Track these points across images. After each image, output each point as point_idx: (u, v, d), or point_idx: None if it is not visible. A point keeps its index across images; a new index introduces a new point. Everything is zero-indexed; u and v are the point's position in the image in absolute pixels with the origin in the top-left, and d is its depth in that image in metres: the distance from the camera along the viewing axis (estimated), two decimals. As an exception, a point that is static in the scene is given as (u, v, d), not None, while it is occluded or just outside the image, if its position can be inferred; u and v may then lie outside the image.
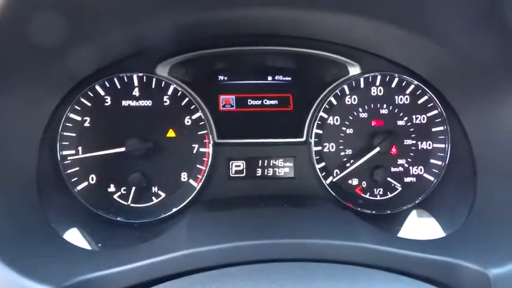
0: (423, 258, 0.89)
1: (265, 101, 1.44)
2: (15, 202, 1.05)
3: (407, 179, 1.43)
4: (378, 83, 1.42)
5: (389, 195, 1.43)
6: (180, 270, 0.84)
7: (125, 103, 1.35)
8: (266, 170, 1.40)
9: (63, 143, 1.31)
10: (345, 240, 0.91)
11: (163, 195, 1.37)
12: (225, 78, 1.44)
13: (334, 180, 1.41)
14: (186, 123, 1.37)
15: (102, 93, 1.34)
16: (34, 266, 0.86)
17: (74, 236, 1.17)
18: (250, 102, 1.43)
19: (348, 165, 1.40)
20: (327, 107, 1.40)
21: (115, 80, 1.34)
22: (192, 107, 1.37)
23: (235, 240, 0.89)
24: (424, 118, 1.42)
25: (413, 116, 1.42)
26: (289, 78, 1.45)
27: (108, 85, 1.34)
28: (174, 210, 1.36)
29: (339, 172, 1.41)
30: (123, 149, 1.30)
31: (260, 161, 1.40)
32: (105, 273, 0.85)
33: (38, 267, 0.86)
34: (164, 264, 0.86)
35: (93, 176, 1.33)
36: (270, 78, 1.45)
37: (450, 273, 0.87)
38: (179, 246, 0.88)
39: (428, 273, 0.87)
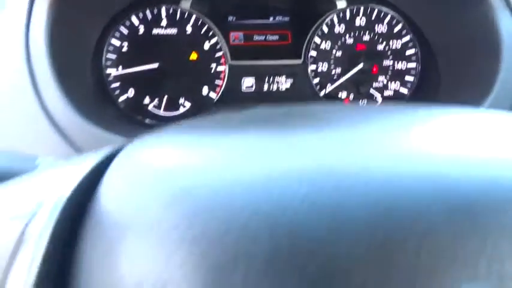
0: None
1: (268, 37, 1.75)
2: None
3: (386, 93, 1.75)
4: (360, 14, 1.73)
5: (372, 106, 1.75)
6: None
7: (154, 31, 1.65)
8: (271, 86, 1.71)
9: (107, 64, 1.61)
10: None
11: (188, 105, 1.67)
12: (234, 18, 1.74)
13: (326, 92, 1.73)
14: (205, 48, 1.68)
15: (137, 23, 1.64)
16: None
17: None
18: (255, 37, 1.74)
19: (337, 79, 1.72)
20: (319, 34, 1.72)
21: (147, 11, 1.64)
22: (209, 34, 1.67)
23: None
24: (399, 43, 1.74)
25: (390, 41, 1.74)
26: (287, 19, 1.76)
27: (141, 16, 1.64)
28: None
29: (330, 86, 1.73)
30: (156, 65, 1.60)
31: (266, 78, 1.71)
32: None
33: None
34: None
35: (132, 89, 1.63)
36: (271, 18, 1.76)
37: None
38: None
39: None
